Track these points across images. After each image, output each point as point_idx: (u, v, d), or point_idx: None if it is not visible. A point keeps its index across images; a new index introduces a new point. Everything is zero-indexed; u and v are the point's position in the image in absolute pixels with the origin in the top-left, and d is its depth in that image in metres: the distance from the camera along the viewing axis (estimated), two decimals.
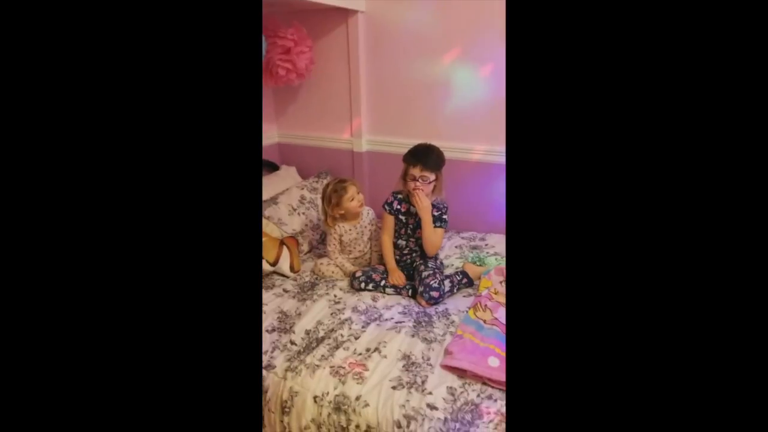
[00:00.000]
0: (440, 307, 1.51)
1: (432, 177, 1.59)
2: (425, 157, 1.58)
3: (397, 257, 1.74)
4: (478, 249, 1.92)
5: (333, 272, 1.76)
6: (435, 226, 1.64)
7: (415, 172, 1.57)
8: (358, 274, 1.66)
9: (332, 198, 1.70)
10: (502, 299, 1.51)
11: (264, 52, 1.88)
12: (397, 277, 1.65)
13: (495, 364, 1.19)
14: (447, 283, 1.58)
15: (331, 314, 1.49)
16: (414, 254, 1.75)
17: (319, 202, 1.89)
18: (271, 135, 2.47)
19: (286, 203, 1.99)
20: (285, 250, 1.78)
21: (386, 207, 1.71)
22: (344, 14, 2.03)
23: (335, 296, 1.61)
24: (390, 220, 1.71)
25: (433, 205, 1.63)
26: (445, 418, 1.06)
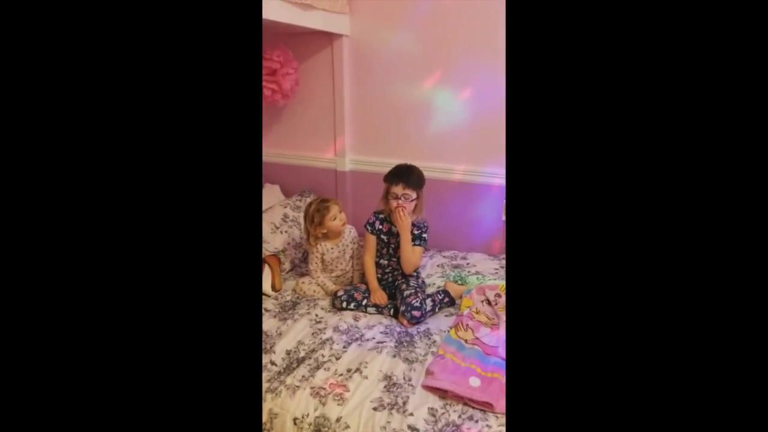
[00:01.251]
0: (422, 327, 1.52)
1: (414, 195, 1.61)
2: (407, 176, 1.61)
3: (379, 276, 1.74)
4: (459, 268, 1.93)
5: (315, 291, 1.75)
6: (414, 245, 1.65)
7: (397, 190, 1.60)
8: (340, 293, 1.66)
9: (315, 217, 1.70)
10: (484, 318, 1.52)
11: None
12: (379, 296, 1.65)
13: (476, 384, 1.20)
14: (429, 302, 1.59)
15: (312, 334, 1.48)
16: (396, 273, 1.76)
17: (301, 220, 1.89)
18: None
19: (268, 221, 1.98)
20: (266, 269, 1.76)
21: (368, 227, 1.72)
22: (329, 38, 2.08)
23: (317, 315, 1.59)
24: (372, 240, 1.72)
25: (414, 224, 1.65)
26: None
